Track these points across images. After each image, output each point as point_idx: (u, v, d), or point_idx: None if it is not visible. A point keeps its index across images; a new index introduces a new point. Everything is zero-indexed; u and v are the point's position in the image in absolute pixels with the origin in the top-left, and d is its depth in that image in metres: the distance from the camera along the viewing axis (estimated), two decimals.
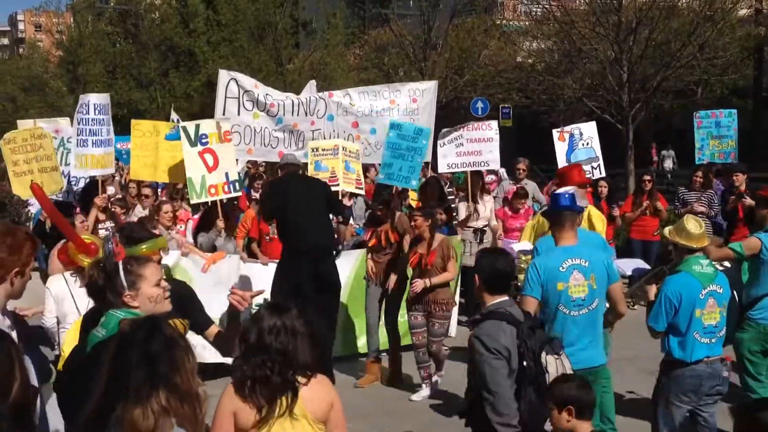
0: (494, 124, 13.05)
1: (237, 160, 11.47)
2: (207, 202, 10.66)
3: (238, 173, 11.83)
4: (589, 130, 13.23)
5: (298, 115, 11.77)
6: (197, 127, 10.47)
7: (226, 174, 10.42)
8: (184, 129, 10.53)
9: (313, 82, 14.58)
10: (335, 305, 9.34)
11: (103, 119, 10.93)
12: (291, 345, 3.93)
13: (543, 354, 4.80)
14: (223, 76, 11.84)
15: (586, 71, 23.84)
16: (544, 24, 25.37)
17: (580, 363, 5.80)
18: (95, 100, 11.12)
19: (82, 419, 3.08)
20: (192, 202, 10.22)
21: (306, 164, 11.02)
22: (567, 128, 13.43)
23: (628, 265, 8.99)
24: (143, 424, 2.89)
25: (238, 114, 11.58)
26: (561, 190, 6.47)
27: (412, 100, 12.49)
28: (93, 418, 2.97)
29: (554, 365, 4.81)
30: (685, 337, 6.15)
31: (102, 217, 10.73)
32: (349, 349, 10.62)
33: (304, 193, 9.10)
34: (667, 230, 6.52)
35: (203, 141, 10.37)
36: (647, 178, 13.29)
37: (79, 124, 10.69)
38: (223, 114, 11.49)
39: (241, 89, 11.63)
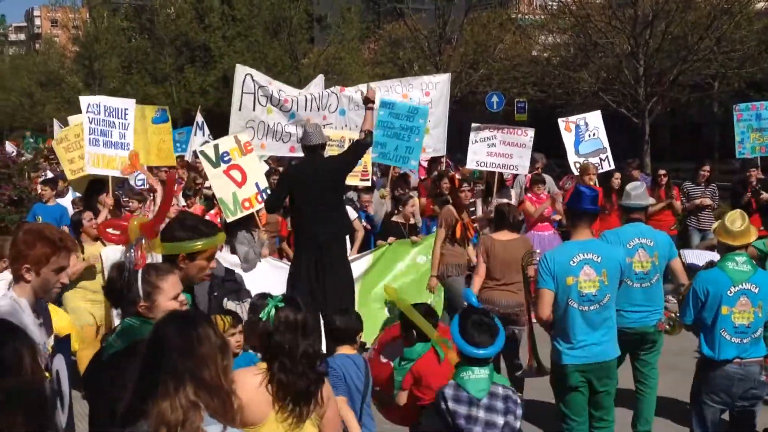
0: (531, 132, 12.94)
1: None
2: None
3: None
4: (594, 120, 13.15)
5: (310, 110, 11.77)
6: (216, 147, 10.31)
7: (256, 184, 10.29)
8: (203, 153, 10.38)
9: (321, 77, 14.59)
10: (346, 296, 8.52)
11: (114, 122, 10.84)
12: (316, 345, 3.93)
13: (225, 300, 5.12)
14: (240, 71, 11.86)
15: (601, 65, 23.77)
16: (560, 18, 25.30)
17: (591, 357, 5.94)
18: (107, 102, 11.02)
19: (118, 413, 3.09)
20: (228, 221, 9.99)
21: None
22: (572, 118, 13.34)
23: (702, 257, 8.69)
24: (171, 417, 2.90)
25: (253, 109, 11.61)
26: (585, 189, 6.39)
27: (425, 94, 12.49)
28: (128, 414, 2.98)
29: (232, 307, 5.24)
30: (713, 335, 6.01)
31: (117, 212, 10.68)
32: None
33: (308, 176, 8.43)
34: (713, 226, 6.53)
35: (225, 159, 10.21)
36: (662, 172, 13.18)
37: (90, 123, 10.66)
38: (239, 109, 11.50)
39: (257, 84, 11.66)
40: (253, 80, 11.66)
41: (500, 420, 4.55)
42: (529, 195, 12.47)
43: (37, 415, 2.78)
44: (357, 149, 8.59)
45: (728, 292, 5.91)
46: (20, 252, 4.16)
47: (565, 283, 5.92)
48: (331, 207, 8.34)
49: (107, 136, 10.73)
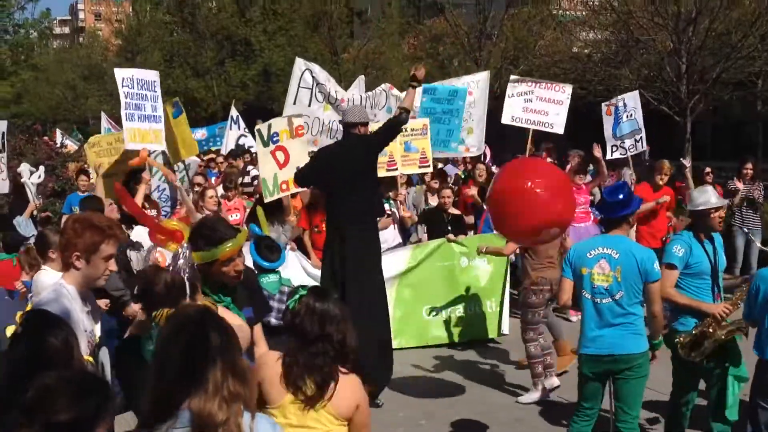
0: (569, 88, 12.91)
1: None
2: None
3: None
4: (633, 100, 13.11)
5: (365, 109, 11.71)
6: (269, 126, 10.40)
7: (298, 168, 10.39)
8: (258, 132, 10.48)
9: (361, 78, 14.71)
10: (375, 288, 8.35)
11: (146, 95, 10.83)
12: (349, 335, 3.95)
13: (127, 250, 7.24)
14: (299, 65, 11.78)
15: (643, 62, 23.52)
16: (601, 14, 25.06)
17: (602, 348, 6.10)
18: (138, 75, 11.02)
19: (144, 412, 3.12)
20: (266, 201, 10.12)
21: None
22: (613, 100, 13.33)
23: None
24: (218, 414, 2.94)
25: (309, 105, 11.61)
26: (612, 196, 6.40)
27: (468, 93, 12.47)
28: (158, 410, 3.02)
29: (135, 257, 7.36)
30: (762, 334, 5.99)
31: (146, 205, 10.69)
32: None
33: (339, 154, 8.34)
34: None
35: (274, 140, 10.29)
36: (708, 170, 13.03)
37: (126, 98, 10.66)
38: (294, 102, 11.51)
39: (315, 80, 11.64)
40: (312, 76, 11.63)
41: (283, 306, 6.03)
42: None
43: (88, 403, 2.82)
44: (390, 127, 8.38)
45: None
46: (69, 240, 4.27)
47: (580, 273, 6.19)
48: (359, 186, 8.17)
49: (141, 109, 10.74)
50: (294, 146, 10.34)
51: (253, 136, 11.86)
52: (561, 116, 12.59)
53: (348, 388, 3.95)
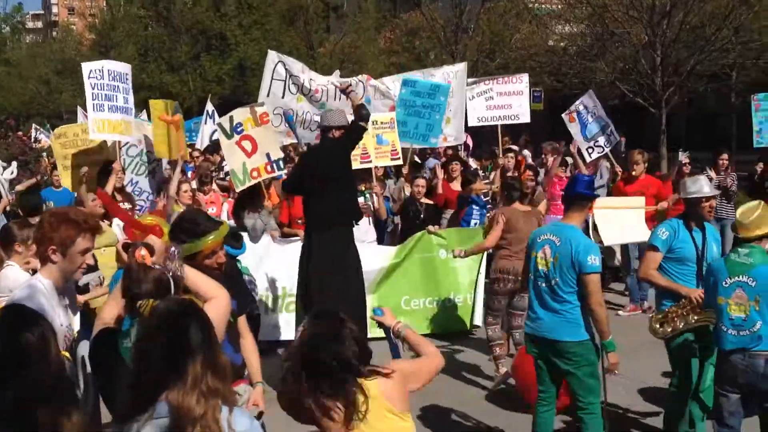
0: (525, 77, 13.05)
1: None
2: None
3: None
4: (589, 100, 13.15)
5: (338, 100, 11.61)
6: (231, 118, 10.41)
7: (267, 155, 10.33)
8: (220, 125, 10.51)
9: (337, 72, 14.69)
10: (351, 287, 8.38)
11: (118, 86, 10.77)
12: (349, 352, 3.66)
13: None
14: (272, 57, 11.71)
15: (618, 55, 23.65)
16: (577, 7, 25.16)
17: (539, 331, 6.30)
18: (109, 66, 10.92)
19: (123, 403, 3.10)
20: (238, 190, 10.13)
21: None
22: (572, 108, 13.35)
23: None
24: (196, 409, 2.93)
25: (282, 97, 11.55)
26: (581, 175, 6.54)
27: (447, 83, 12.49)
28: (136, 403, 3.00)
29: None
30: (717, 324, 6.01)
31: (119, 198, 10.55)
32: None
33: (316, 158, 8.53)
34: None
35: (238, 130, 10.29)
36: (686, 161, 13.09)
37: (93, 89, 10.56)
38: (267, 96, 11.48)
39: (288, 72, 11.59)
40: (285, 68, 11.59)
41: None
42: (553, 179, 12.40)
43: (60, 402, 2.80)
44: (352, 131, 8.42)
45: (724, 282, 5.88)
46: (45, 234, 4.24)
47: (530, 255, 6.45)
48: (333, 189, 8.25)
49: (112, 100, 10.65)
50: (260, 133, 10.35)
51: None
52: (524, 106, 12.84)
53: (389, 381, 3.73)
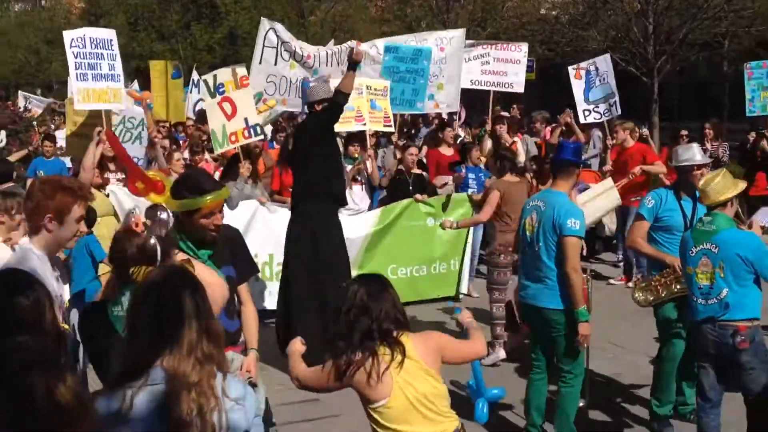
0: (525, 46, 12.94)
1: (261, 108, 11.36)
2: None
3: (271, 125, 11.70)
4: (604, 64, 13.06)
5: (331, 65, 11.53)
6: (214, 77, 10.46)
7: (245, 119, 10.34)
8: (205, 81, 10.58)
9: (330, 43, 14.54)
10: (336, 265, 8.37)
11: (102, 53, 10.46)
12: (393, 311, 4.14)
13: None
14: (264, 24, 11.58)
15: (610, 23, 23.59)
16: None
17: (527, 298, 6.42)
18: (91, 34, 10.65)
19: (117, 369, 3.11)
20: (216, 153, 10.20)
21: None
22: (583, 64, 13.24)
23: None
24: (192, 375, 2.96)
25: (275, 64, 11.46)
26: (568, 141, 6.56)
27: (440, 49, 12.38)
28: (130, 370, 3.02)
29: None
30: (689, 295, 5.98)
31: (112, 167, 10.31)
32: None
33: (302, 131, 8.65)
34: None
35: (220, 90, 10.35)
36: (684, 132, 13.04)
37: (75, 58, 10.34)
38: (260, 63, 11.42)
39: (280, 39, 11.52)
40: (277, 34, 11.52)
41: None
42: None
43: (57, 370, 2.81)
44: (330, 110, 8.37)
45: (690, 252, 5.87)
46: (39, 203, 4.21)
47: (521, 224, 6.54)
48: (312, 162, 8.32)
49: (96, 69, 10.38)
50: (239, 97, 10.38)
51: None
52: (520, 75, 12.72)
53: (422, 340, 4.17)
